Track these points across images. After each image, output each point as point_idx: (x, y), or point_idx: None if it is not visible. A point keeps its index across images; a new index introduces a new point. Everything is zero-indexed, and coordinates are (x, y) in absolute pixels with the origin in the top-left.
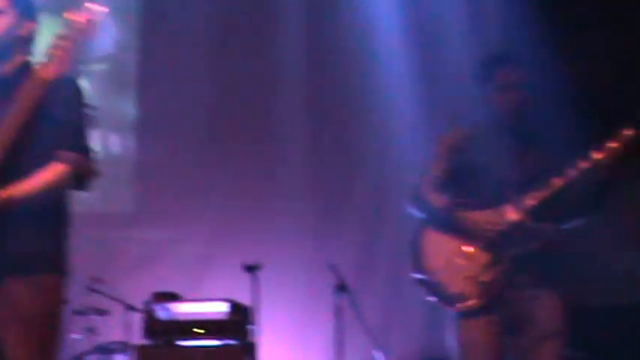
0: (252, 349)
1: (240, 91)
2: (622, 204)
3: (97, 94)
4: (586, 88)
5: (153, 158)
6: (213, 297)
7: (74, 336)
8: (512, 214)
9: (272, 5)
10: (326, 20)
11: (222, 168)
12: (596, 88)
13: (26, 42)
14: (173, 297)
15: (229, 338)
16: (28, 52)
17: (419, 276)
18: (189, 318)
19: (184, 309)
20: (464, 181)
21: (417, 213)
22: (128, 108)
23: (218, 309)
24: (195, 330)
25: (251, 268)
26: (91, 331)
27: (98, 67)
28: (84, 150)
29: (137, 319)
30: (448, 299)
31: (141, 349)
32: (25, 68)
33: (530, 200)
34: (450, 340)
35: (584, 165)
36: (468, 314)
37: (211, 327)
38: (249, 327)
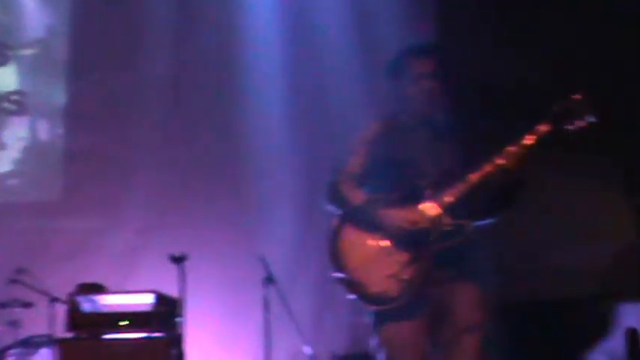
0: (178, 342)
1: (166, 82)
2: (550, 201)
3: (25, 79)
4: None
5: (82, 146)
6: (142, 289)
7: None
8: (430, 211)
9: None
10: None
11: (151, 157)
12: (512, 82)
13: None
14: (98, 288)
15: (155, 331)
16: None
17: (339, 275)
18: (115, 310)
19: (109, 301)
20: (382, 177)
21: (335, 210)
22: (57, 94)
23: (144, 301)
24: (120, 322)
25: (178, 259)
26: (14, 324)
27: (27, 52)
28: None
29: (63, 312)
30: (369, 298)
31: (63, 342)
32: None
33: (448, 196)
34: (374, 338)
35: (499, 161)
36: (390, 313)
37: (137, 319)
38: (175, 319)
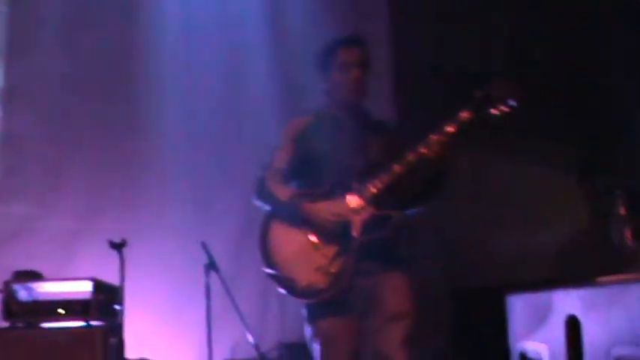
0: (118, 331)
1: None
2: (502, 187)
3: None
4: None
5: (20, 129)
6: (81, 276)
7: None
8: (354, 203)
9: None
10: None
11: (91, 141)
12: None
13: None
14: (35, 276)
15: (94, 319)
16: None
17: (269, 271)
18: (52, 298)
19: (47, 289)
20: (309, 171)
21: (263, 206)
22: None
23: (82, 288)
24: (58, 311)
25: (118, 246)
26: None
27: None
28: None
29: None
30: (299, 292)
31: None
32: None
33: (373, 187)
34: (308, 329)
35: (423, 150)
36: (321, 305)
37: (75, 308)
38: (115, 307)
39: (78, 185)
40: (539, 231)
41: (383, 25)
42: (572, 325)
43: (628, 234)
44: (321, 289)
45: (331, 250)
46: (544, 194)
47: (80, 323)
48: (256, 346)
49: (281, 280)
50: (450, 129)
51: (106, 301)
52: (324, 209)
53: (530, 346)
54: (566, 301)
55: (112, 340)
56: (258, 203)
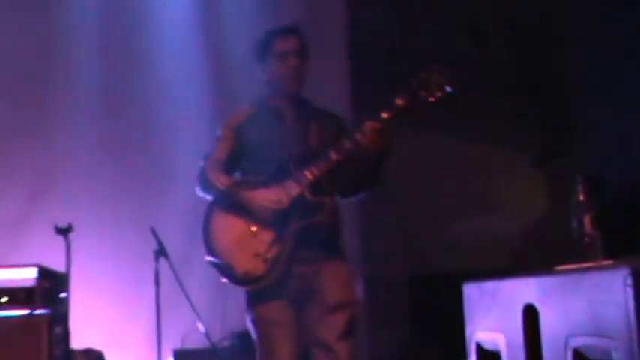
0: (63, 319)
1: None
2: (459, 173)
3: None
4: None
5: None
6: (27, 262)
7: None
8: (291, 189)
9: None
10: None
11: (38, 123)
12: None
13: None
14: None
15: (38, 307)
16: None
17: (210, 258)
18: None
19: None
20: (251, 162)
21: (205, 196)
22: None
23: (26, 275)
24: (1, 299)
25: (63, 231)
26: None
27: None
28: None
29: None
30: (237, 279)
31: None
32: None
33: (309, 174)
34: (248, 316)
35: (358, 137)
36: (259, 292)
37: (18, 295)
38: (60, 295)
39: (23, 168)
40: (497, 218)
41: (339, 8)
42: (530, 315)
43: (587, 221)
44: (258, 275)
45: (268, 236)
46: (503, 181)
47: (24, 311)
48: (207, 335)
49: (221, 267)
50: (384, 115)
51: (52, 288)
52: (261, 196)
53: (487, 335)
54: (524, 290)
55: (57, 329)
56: (201, 194)
